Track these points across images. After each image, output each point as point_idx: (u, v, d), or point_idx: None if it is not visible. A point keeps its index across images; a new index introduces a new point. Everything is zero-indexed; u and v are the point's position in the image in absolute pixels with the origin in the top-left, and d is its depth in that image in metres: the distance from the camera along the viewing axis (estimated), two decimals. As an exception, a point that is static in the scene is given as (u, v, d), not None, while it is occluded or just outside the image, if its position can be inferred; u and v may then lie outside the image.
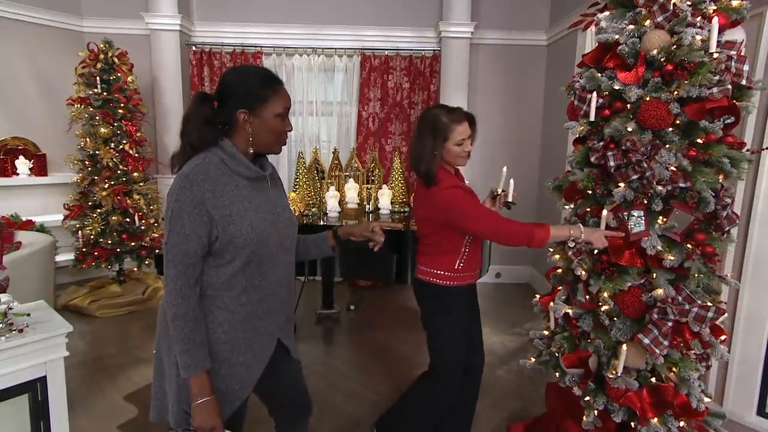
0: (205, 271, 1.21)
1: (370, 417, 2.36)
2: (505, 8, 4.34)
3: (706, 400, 1.60)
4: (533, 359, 2.00)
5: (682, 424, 1.61)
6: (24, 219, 3.59)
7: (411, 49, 4.31)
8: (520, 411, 2.48)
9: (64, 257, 3.92)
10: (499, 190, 1.90)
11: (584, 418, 1.73)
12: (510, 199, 1.87)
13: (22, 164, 3.96)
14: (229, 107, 1.21)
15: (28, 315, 1.58)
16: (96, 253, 3.75)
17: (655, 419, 1.59)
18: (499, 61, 4.43)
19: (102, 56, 3.67)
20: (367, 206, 3.34)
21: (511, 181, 1.88)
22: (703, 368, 1.69)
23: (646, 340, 1.54)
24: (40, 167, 4.08)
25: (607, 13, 1.76)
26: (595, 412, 1.70)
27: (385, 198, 3.24)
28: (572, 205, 1.89)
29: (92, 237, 3.71)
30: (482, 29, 4.31)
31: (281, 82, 1.26)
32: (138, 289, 3.96)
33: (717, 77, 1.46)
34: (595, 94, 1.69)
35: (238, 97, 1.20)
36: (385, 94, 4.35)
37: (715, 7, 1.52)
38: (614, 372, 1.62)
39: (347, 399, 2.57)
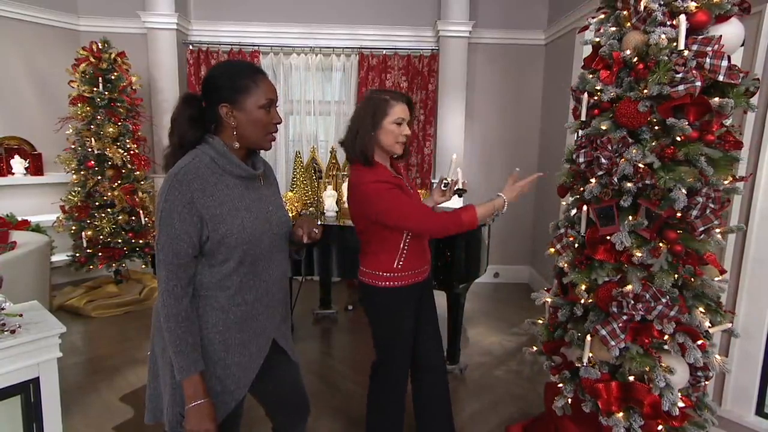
0: (199, 271, 1.20)
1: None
2: (504, 8, 4.33)
3: (681, 404, 1.57)
4: (535, 348, 2.03)
5: (660, 427, 1.60)
6: (19, 219, 3.58)
7: (409, 49, 4.30)
8: (518, 411, 2.47)
9: (60, 257, 3.91)
10: (449, 179, 1.89)
11: (555, 401, 1.83)
12: (460, 186, 1.88)
13: (18, 164, 3.94)
14: (213, 103, 1.19)
15: (21, 315, 1.56)
16: (101, 254, 3.76)
17: (620, 414, 1.61)
18: (497, 61, 4.43)
19: (106, 56, 3.67)
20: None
21: (459, 169, 1.92)
22: (701, 378, 1.68)
23: (603, 332, 1.60)
24: (35, 167, 4.06)
25: (602, 15, 1.81)
26: (569, 399, 1.79)
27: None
28: (567, 201, 1.95)
29: (101, 237, 3.70)
30: (480, 28, 4.30)
31: (263, 73, 1.23)
32: (135, 290, 3.94)
33: (680, 75, 1.47)
34: (586, 94, 1.75)
35: (219, 92, 1.19)
36: (383, 93, 4.33)
37: (696, 4, 1.51)
38: (581, 362, 1.69)
39: (345, 399, 2.56)
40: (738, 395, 2.16)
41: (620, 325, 1.58)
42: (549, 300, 1.91)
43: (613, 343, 1.58)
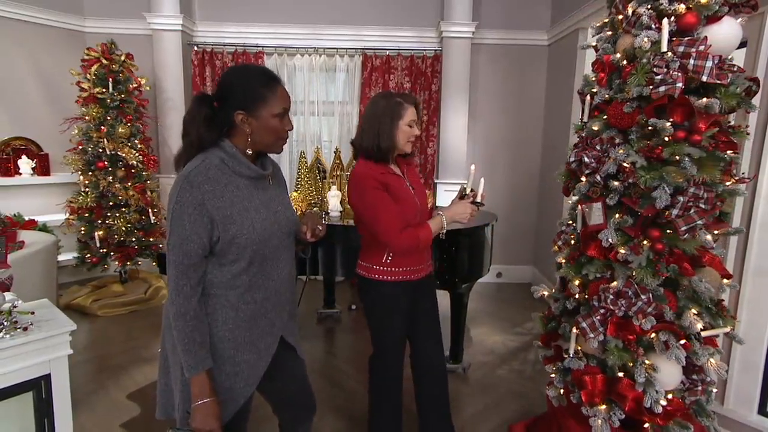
0: (209, 270, 1.22)
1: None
2: (506, 8, 4.35)
3: (664, 402, 1.57)
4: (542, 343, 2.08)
5: (647, 425, 1.62)
6: (27, 218, 3.61)
7: (412, 49, 4.32)
8: (521, 410, 2.49)
9: (66, 257, 3.94)
10: (468, 190, 1.83)
11: (548, 391, 1.93)
12: (479, 199, 1.78)
13: (25, 164, 3.98)
14: (227, 108, 1.21)
15: (33, 313, 1.59)
16: (119, 254, 3.82)
17: (603, 406, 1.66)
18: (500, 61, 4.44)
19: (117, 57, 3.71)
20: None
21: (482, 180, 1.82)
22: (697, 381, 1.67)
23: (583, 324, 1.68)
24: (42, 167, 4.10)
25: (606, 19, 1.86)
26: (561, 390, 1.86)
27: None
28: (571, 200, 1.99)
29: (116, 237, 3.75)
30: (483, 29, 4.31)
31: (280, 81, 1.25)
32: (140, 289, 3.97)
33: (659, 76, 1.50)
34: (588, 96, 1.83)
35: (235, 98, 1.20)
36: (386, 93, 4.35)
37: (684, 7, 1.53)
38: (568, 353, 1.78)
39: (348, 398, 2.58)
40: (740, 394, 2.17)
41: (598, 318, 1.64)
42: (546, 293, 1.99)
43: (591, 335, 1.66)
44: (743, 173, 2.00)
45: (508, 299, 4.25)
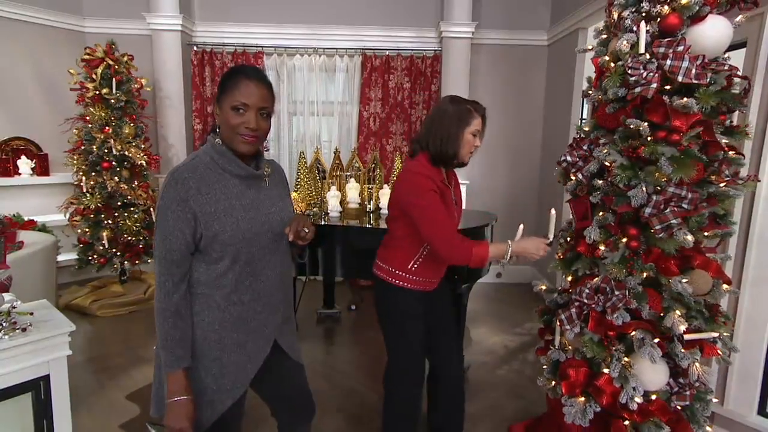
0: (196, 268, 1.22)
1: (371, 417, 2.37)
2: (506, 8, 4.35)
3: (637, 400, 1.57)
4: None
5: (627, 422, 1.63)
6: (26, 219, 3.61)
7: (412, 49, 4.31)
8: (521, 410, 2.49)
9: (65, 257, 3.93)
10: (550, 236, 1.62)
11: (539, 381, 2.00)
12: (551, 237, 1.61)
13: (24, 164, 3.97)
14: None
15: (31, 314, 1.59)
16: (127, 253, 3.84)
17: (581, 398, 1.70)
18: (500, 61, 4.44)
19: (120, 57, 3.72)
20: (369, 206, 3.34)
21: (552, 213, 1.63)
22: (684, 385, 1.67)
23: (562, 316, 1.75)
24: (41, 167, 4.09)
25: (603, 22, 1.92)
26: (553, 383, 1.92)
27: (386, 198, 3.24)
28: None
29: (125, 236, 3.76)
30: (483, 29, 4.31)
31: (248, 75, 1.18)
32: (139, 289, 3.97)
33: (633, 78, 1.52)
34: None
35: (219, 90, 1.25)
36: (386, 94, 4.35)
37: (667, 9, 1.53)
38: (553, 345, 1.86)
39: (348, 399, 2.58)
40: (740, 395, 2.16)
41: (574, 311, 1.69)
42: (543, 287, 2.04)
43: (567, 327, 1.71)
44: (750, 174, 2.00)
45: (507, 299, 4.25)
